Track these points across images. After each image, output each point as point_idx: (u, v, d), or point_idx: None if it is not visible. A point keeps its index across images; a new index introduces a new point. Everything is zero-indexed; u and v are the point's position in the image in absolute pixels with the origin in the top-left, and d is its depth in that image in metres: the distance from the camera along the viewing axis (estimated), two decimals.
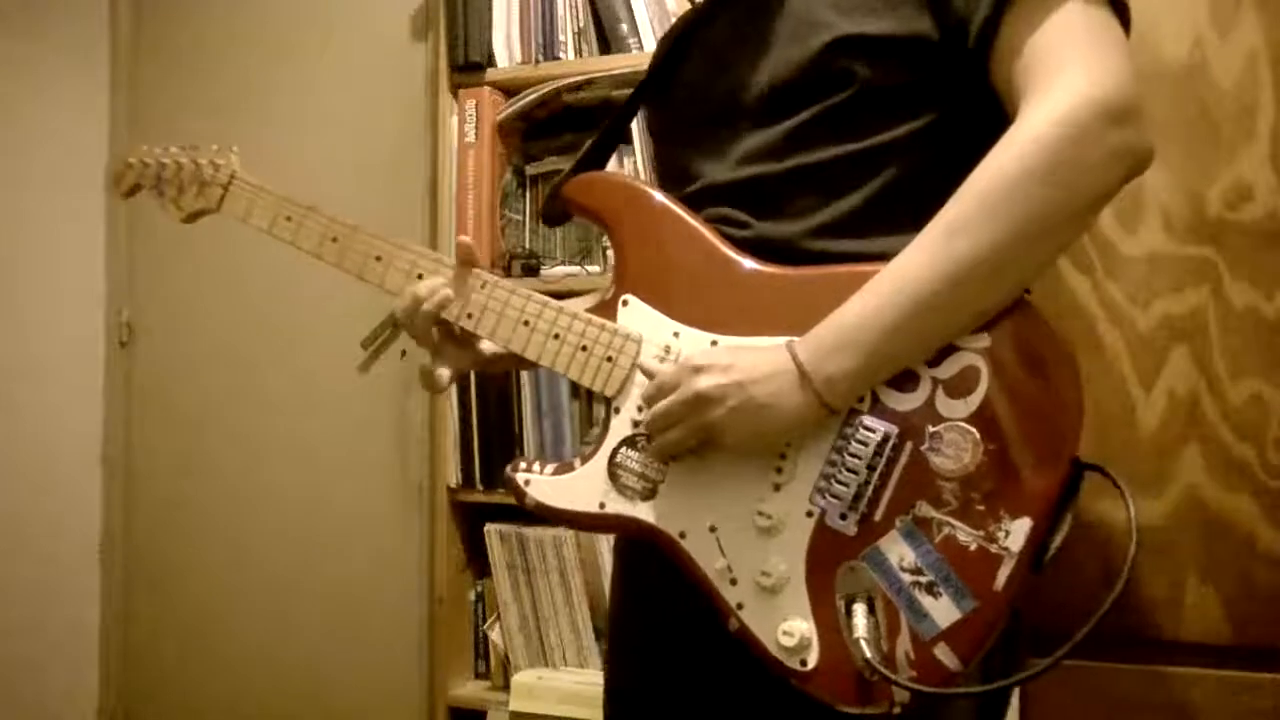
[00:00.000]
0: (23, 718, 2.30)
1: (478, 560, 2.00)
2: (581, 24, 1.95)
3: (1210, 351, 1.39)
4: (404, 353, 2.17)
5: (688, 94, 1.06)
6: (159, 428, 2.44)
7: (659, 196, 1.00)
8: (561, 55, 1.95)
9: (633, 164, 1.87)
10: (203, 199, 1.14)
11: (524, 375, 1.93)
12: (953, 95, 0.93)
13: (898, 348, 0.86)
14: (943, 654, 0.84)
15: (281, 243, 1.11)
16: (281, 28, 2.37)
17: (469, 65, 1.99)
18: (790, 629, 0.87)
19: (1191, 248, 1.40)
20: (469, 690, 1.99)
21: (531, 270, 1.95)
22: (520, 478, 0.98)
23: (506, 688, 1.90)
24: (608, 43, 1.92)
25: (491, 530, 1.95)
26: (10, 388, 2.31)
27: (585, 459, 0.97)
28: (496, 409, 1.95)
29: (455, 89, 2.01)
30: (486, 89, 1.99)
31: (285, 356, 2.31)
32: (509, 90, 2.00)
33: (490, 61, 2.00)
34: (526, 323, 1.01)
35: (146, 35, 2.50)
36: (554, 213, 1.11)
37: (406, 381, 2.19)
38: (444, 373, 1.07)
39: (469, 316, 1.03)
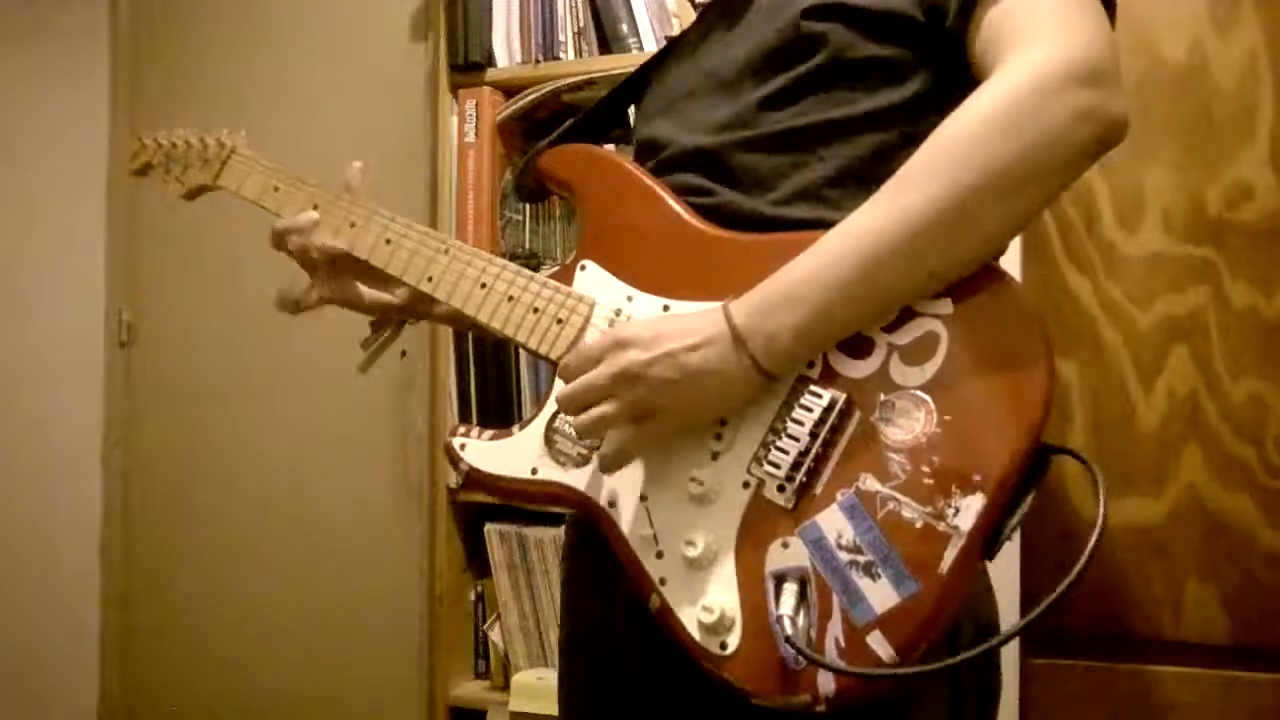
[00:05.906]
0: (23, 718, 2.30)
1: (478, 560, 2.00)
2: (581, 24, 1.95)
3: (1210, 351, 1.39)
4: (404, 353, 2.17)
5: (670, 81, 1.06)
6: (159, 428, 2.44)
7: (621, 162, 0.98)
8: (561, 55, 1.95)
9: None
10: (203, 174, 1.18)
11: (524, 375, 1.93)
12: (933, 73, 0.91)
13: (847, 307, 0.81)
14: (875, 642, 0.76)
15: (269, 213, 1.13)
16: (282, 27, 2.37)
17: (469, 65, 1.99)
18: (711, 604, 0.80)
19: (1191, 248, 1.41)
20: (469, 690, 1.99)
21: (531, 270, 1.95)
22: (456, 442, 0.96)
23: (506, 688, 1.89)
24: (608, 43, 1.92)
25: (491, 530, 1.95)
26: (11, 387, 2.32)
27: (524, 425, 0.94)
28: (496, 409, 1.94)
29: (455, 89, 2.01)
30: (486, 89, 1.98)
31: (285, 356, 2.31)
32: (509, 90, 1.99)
33: (490, 61, 1.99)
34: (483, 285, 1.00)
35: (146, 36, 2.49)
36: (526, 186, 1.10)
37: (406, 381, 2.19)
38: (309, 296, 1.09)
39: (429, 280, 1.03)
